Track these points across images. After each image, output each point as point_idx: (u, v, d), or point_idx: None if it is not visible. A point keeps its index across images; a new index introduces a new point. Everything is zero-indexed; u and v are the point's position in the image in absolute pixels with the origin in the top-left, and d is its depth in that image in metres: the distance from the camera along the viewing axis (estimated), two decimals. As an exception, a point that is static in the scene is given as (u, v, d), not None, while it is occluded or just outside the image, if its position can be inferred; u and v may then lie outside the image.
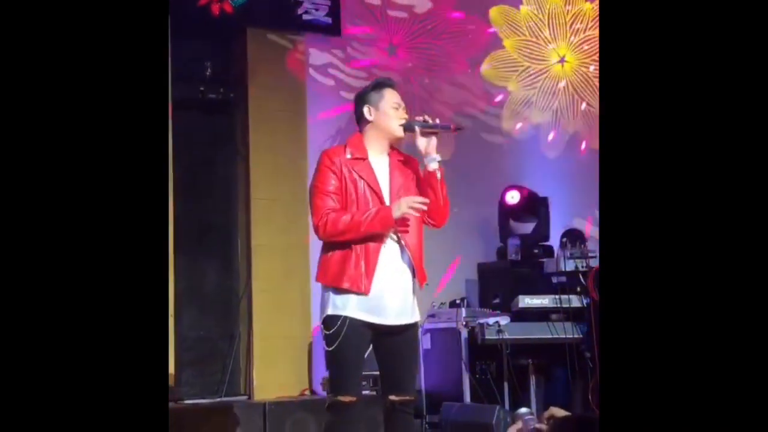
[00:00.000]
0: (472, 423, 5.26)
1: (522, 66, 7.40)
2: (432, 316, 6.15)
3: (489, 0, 7.39)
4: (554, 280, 6.10)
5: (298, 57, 6.74)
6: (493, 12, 7.29)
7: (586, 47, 7.37)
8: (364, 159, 3.69)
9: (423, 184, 3.73)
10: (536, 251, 6.90)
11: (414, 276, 3.70)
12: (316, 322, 6.32)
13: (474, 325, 5.90)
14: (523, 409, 3.62)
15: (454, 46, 7.39)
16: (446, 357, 5.98)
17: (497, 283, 6.73)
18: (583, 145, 7.46)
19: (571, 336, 5.78)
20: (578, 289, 5.91)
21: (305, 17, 6.66)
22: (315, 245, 6.21)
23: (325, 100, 6.81)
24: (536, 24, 7.34)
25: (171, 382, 5.69)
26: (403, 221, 3.60)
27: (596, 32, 6.75)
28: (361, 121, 3.76)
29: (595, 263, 5.86)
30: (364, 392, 4.04)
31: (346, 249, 3.58)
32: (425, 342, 5.97)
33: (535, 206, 7.10)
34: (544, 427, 2.57)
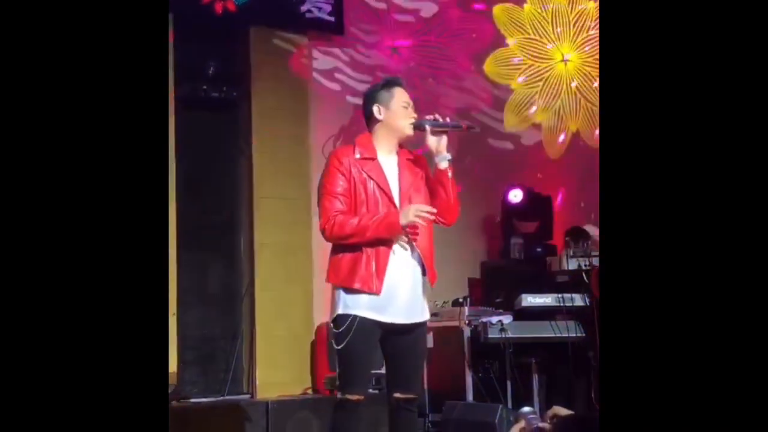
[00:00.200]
0: (474, 422, 5.26)
1: (525, 64, 7.39)
2: (435, 314, 6.14)
3: (492, -1, 7.40)
4: (559, 279, 6.10)
5: (302, 56, 6.74)
6: (497, 10, 7.28)
7: (588, 48, 7.36)
8: (374, 159, 3.68)
9: (433, 182, 3.74)
10: (539, 250, 6.91)
11: (424, 275, 3.71)
12: (318, 321, 6.34)
13: (477, 323, 5.90)
14: (526, 408, 3.61)
15: (457, 44, 7.39)
16: (449, 356, 5.98)
17: (500, 282, 6.73)
18: (585, 145, 7.45)
19: (574, 335, 5.78)
20: (583, 288, 5.90)
21: (308, 15, 6.67)
22: (318, 244, 6.25)
23: (329, 100, 6.81)
24: (540, 22, 7.33)
25: (174, 380, 5.70)
26: (411, 226, 3.60)
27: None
28: (370, 120, 3.76)
29: (597, 262, 5.86)
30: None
31: (357, 250, 3.58)
32: (428, 340, 5.97)
33: (538, 205, 7.10)
34: (547, 426, 2.56)
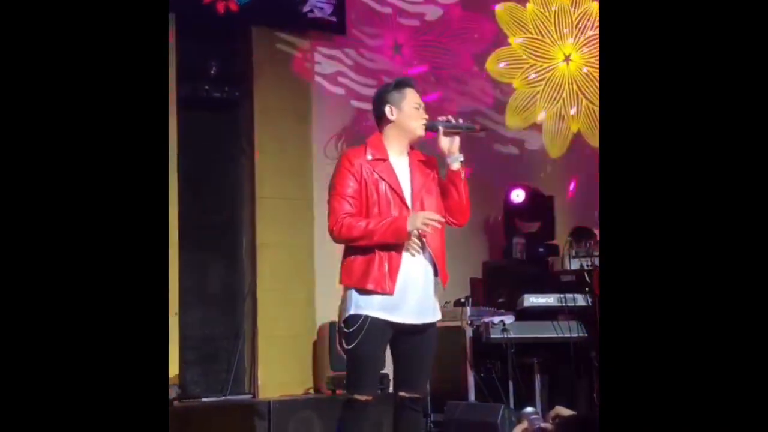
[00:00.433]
0: (476, 422, 5.26)
1: (527, 63, 7.38)
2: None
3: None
4: (563, 279, 6.09)
5: (305, 60, 6.73)
6: (500, 9, 7.28)
7: (588, 48, 7.35)
8: (385, 159, 3.69)
9: (446, 183, 3.75)
10: (541, 250, 6.89)
11: (436, 275, 3.72)
12: (320, 321, 6.34)
13: (479, 323, 5.89)
14: (528, 409, 3.60)
15: (459, 44, 7.38)
16: (451, 356, 5.97)
17: (502, 282, 6.71)
18: (586, 144, 7.44)
19: (576, 335, 5.77)
20: (586, 288, 5.89)
21: (310, 15, 6.67)
22: (320, 244, 6.26)
23: (331, 102, 6.80)
24: (542, 22, 7.32)
25: (175, 380, 5.70)
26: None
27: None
28: (381, 120, 3.76)
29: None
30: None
31: (370, 251, 3.60)
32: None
33: (540, 205, 7.09)
34: (549, 426, 2.55)
